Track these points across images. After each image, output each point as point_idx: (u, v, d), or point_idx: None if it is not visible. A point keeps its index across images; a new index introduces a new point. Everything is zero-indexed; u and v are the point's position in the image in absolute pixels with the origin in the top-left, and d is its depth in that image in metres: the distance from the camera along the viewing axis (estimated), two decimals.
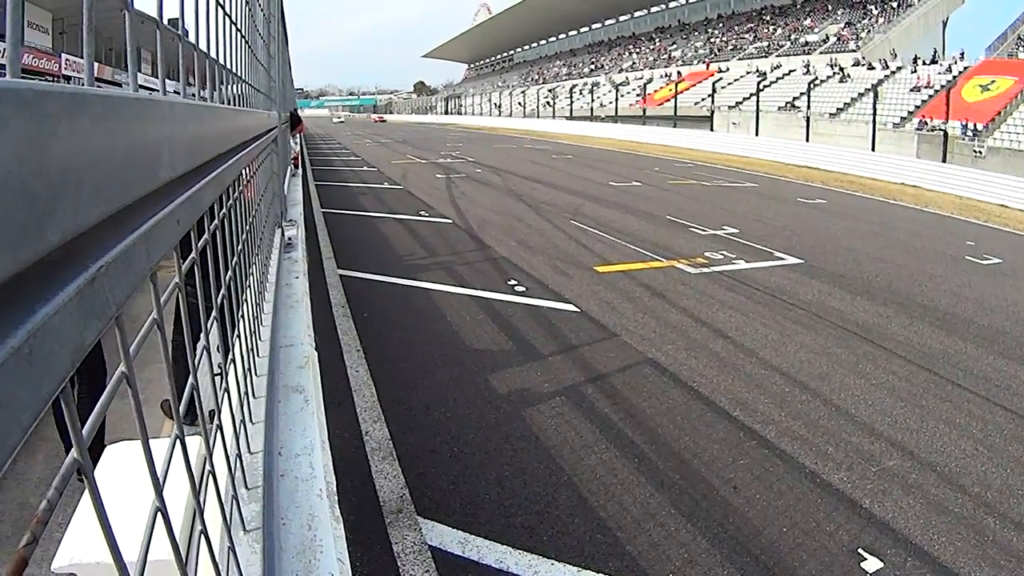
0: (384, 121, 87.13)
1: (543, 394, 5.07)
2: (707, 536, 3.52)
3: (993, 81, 31.71)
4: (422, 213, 12.99)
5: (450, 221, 12.19)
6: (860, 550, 3.47)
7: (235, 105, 2.03)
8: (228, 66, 1.82)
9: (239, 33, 2.20)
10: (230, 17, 1.88)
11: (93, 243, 0.45)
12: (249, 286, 1.88)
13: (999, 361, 6.26)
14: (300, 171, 10.45)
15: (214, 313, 1.17)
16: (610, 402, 4.98)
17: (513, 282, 7.95)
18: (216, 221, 1.30)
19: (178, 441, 0.79)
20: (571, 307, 7.09)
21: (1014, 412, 5.21)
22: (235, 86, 2.09)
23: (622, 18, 76.02)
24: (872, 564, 3.37)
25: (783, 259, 9.91)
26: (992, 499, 4.03)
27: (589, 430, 4.54)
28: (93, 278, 0.43)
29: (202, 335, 1.08)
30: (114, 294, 0.46)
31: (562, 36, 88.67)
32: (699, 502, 3.80)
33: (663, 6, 69.75)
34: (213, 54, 1.48)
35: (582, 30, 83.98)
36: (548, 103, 61.06)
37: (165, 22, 0.95)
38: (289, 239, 4.43)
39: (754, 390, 5.32)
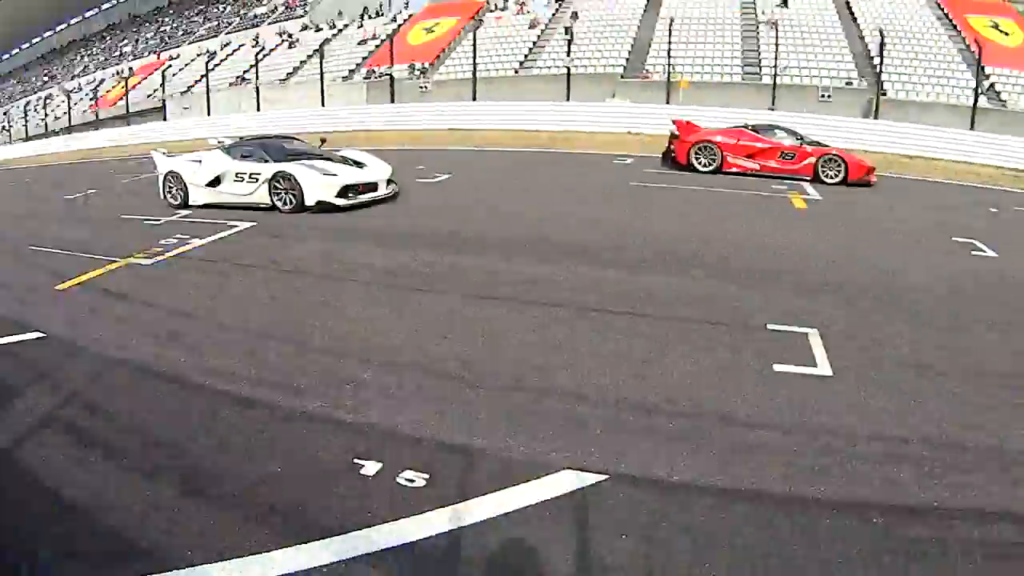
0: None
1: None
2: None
3: (437, 23, 36.66)
4: None
5: None
6: (355, 460, 3.94)
7: None
8: None
9: None
10: None
11: None
12: None
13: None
14: None
15: None
16: (88, 413, 4.85)
17: None
18: None
19: None
20: (34, 335, 6.52)
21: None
22: None
23: (73, 21, 65.79)
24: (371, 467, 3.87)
25: (236, 226, 10.52)
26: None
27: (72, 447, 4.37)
28: None
29: None
30: None
31: (15, 52, 72.31)
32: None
33: (113, 1, 62.85)
34: None
35: (34, 42, 69.65)
36: (4, 128, 51.37)
37: None
38: None
39: (223, 356, 5.71)
